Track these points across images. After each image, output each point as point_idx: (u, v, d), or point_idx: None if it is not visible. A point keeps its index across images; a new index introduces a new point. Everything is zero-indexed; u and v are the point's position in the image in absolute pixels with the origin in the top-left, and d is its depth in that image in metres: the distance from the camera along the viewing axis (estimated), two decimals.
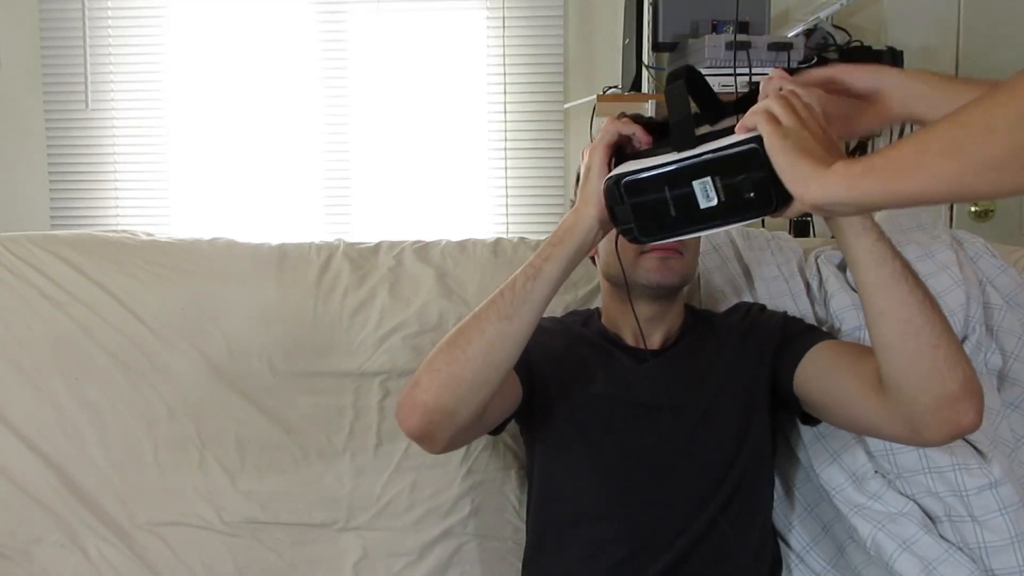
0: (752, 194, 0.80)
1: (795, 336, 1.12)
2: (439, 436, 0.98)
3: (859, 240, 0.89)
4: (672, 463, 1.10)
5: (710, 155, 0.82)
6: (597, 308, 1.25)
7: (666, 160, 0.84)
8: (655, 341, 1.17)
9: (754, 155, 0.79)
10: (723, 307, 1.29)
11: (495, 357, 0.95)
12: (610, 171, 0.91)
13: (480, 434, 1.16)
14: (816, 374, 1.06)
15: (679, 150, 0.84)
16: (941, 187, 0.64)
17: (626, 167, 0.88)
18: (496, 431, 1.16)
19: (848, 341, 1.09)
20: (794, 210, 0.78)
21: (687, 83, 0.90)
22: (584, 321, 1.23)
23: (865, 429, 1.03)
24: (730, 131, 0.84)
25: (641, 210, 0.86)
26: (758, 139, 0.79)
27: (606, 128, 0.95)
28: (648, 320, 1.16)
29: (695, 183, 0.82)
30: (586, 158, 0.96)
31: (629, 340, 1.17)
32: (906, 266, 0.89)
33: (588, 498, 1.11)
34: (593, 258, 1.22)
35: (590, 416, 1.13)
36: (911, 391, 0.89)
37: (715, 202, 0.82)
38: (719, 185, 0.81)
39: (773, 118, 0.79)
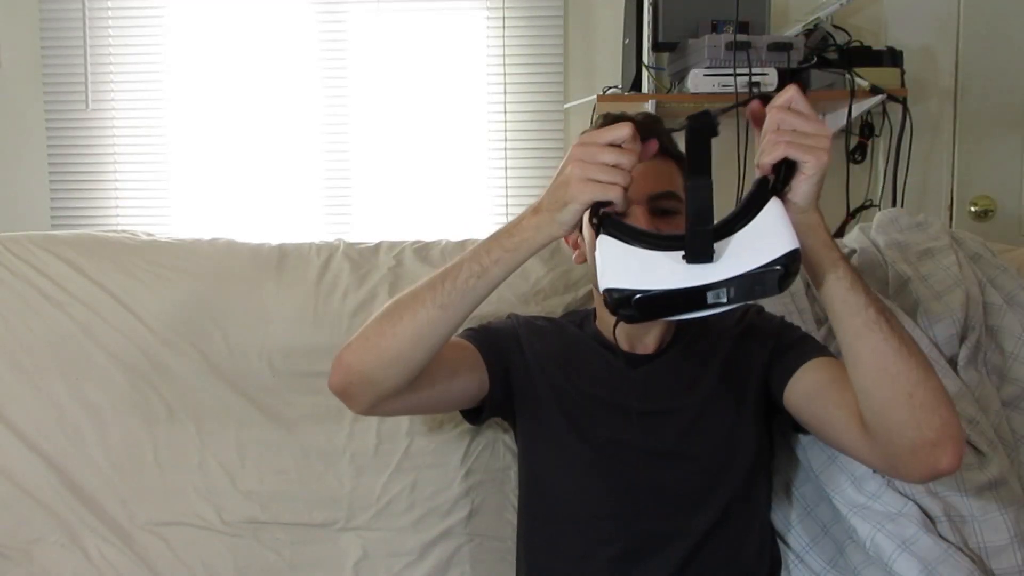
0: (764, 289, 0.80)
1: (789, 347, 1.11)
2: (358, 398, 1.00)
3: (832, 289, 0.87)
4: (666, 466, 1.10)
5: (732, 277, 0.79)
6: (593, 309, 1.25)
7: (680, 281, 0.80)
8: (648, 345, 1.16)
9: (774, 275, 0.78)
10: None
11: (423, 340, 0.95)
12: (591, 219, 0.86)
13: (423, 408, 1.18)
14: (805, 393, 1.05)
15: (691, 258, 0.81)
16: None
17: (629, 272, 0.82)
18: (473, 417, 1.17)
19: (840, 361, 1.09)
20: None
21: (696, 132, 0.83)
22: (580, 322, 1.24)
23: (848, 454, 1.02)
24: (748, 211, 0.81)
25: (647, 310, 0.83)
26: (787, 258, 0.78)
27: (607, 188, 0.84)
28: (636, 325, 1.15)
29: (708, 292, 0.80)
30: (569, 162, 0.86)
31: (623, 344, 1.17)
32: (882, 312, 0.87)
33: (584, 498, 1.11)
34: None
35: (584, 418, 1.13)
36: (887, 434, 0.89)
37: (724, 299, 0.80)
38: (732, 291, 0.80)
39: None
